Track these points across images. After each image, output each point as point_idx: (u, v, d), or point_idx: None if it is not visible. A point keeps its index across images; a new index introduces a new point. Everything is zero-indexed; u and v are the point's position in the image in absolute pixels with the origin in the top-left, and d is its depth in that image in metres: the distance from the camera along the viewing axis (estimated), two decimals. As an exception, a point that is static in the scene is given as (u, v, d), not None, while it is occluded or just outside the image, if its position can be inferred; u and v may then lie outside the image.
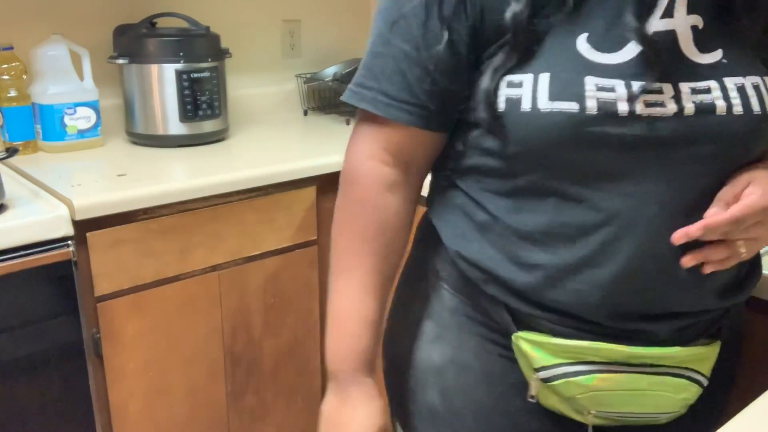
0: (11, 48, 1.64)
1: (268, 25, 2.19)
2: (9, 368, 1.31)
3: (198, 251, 1.54)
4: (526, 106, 0.74)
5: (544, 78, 0.73)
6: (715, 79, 0.74)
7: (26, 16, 1.76)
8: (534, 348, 0.81)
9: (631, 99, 0.71)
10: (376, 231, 0.85)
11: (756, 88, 0.75)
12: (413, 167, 0.87)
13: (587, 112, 0.71)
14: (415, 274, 0.96)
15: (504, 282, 0.82)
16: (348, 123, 2.09)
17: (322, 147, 1.84)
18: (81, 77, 1.73)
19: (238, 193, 1.57)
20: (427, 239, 0.92)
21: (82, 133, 1.73)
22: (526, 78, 0.74)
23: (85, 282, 1.39)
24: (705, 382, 0.83)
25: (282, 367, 1.77)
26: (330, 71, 2.22)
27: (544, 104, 0.73)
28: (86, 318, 1.40)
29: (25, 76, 1.67)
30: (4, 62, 1.64)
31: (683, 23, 0.75)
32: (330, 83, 2.17)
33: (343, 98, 0.86)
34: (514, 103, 0.75)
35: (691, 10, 0.75)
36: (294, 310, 1.75)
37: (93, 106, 1.73)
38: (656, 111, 0.72)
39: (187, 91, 1.74)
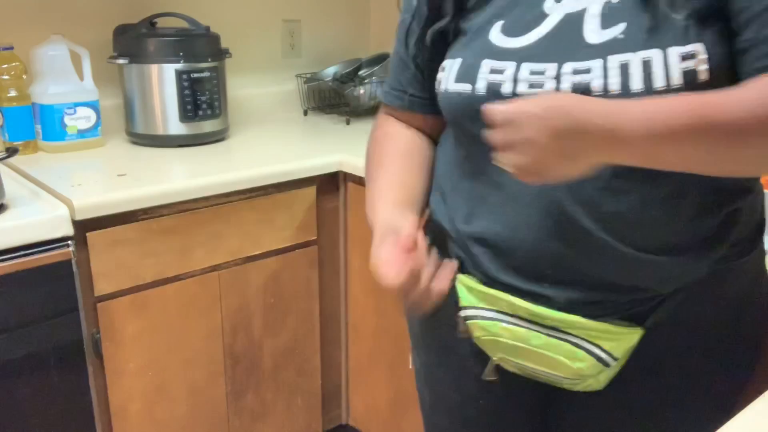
0: (11, 48, 1.65)
1: (268, 25, 2.19)
2: (9, 368, 1.31)
3: (198, 251, 1.54)
4: (441, 87, 0.90)
5: (456, 64, 0.87)
6: (600, 58, 0.76)
7: (26, 16, 1.76)
8: (462, 289, 0.92)
9: (516, 80, 0.80)
10: (397, 152, 1.01)
11: (646, 63, 0.74)
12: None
13: (477, 93, 0.83)
14: None
15: (448, 228, 0.94)
16: (348, 123, 2.09)
17: (322, 147, 1.84)
18: (81, 77, 1.73)
19: (238, 193, 1.57)
20: None
21: (82, 133, 1.73)
22: (447, 63, 0.90)
23: (85, 282, 1.39)
24: (611, 362, 0.85)
25: (282, 367, 1.77)
26: (330, 71, 2.22)
27: (450, 86, 0.87)
28: (86, 318, 1.40)
29: (25, 76, 1.67)
30: (4, 62, 1.64)
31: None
32: (330, 83, 2.17)
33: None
34: (439, 83, 0.91)
35: None
36: (294, 310, 1.75)
37: (93, 106, 1.73)
38: (535, 91, 0.79)
39: (187, 91, 1.74)
